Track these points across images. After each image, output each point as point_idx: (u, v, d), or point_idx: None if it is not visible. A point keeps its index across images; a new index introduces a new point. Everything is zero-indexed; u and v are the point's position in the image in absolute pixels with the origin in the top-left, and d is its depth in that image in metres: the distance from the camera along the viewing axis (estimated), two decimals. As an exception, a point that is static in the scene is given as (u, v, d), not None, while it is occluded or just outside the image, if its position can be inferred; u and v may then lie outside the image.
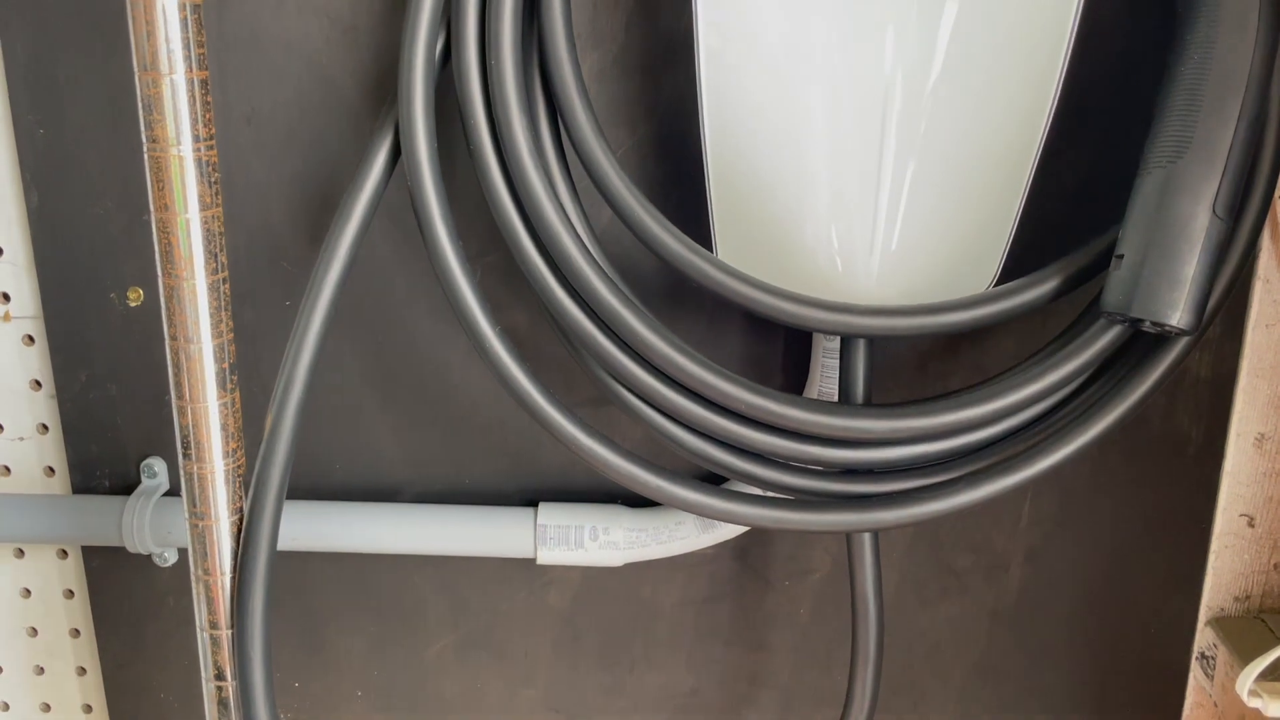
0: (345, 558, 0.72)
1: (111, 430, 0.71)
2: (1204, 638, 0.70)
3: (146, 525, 0.68)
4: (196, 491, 0.55)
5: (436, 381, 0.69)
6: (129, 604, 0.75)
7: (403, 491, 0.71)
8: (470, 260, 0.65)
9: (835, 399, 0.62)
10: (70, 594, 0.76)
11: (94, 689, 0.78)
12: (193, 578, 0.57)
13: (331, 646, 0.75)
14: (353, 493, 0.71)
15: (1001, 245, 0.57)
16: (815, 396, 0.65)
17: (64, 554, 0.75)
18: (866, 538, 0.62)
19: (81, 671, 0.78)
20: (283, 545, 0.68)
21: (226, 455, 0.55)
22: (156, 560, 0.71)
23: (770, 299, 0.54)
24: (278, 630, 0.74)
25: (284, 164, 0.65)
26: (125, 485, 0.72)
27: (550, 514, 0.68)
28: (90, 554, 0.74)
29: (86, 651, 0.77)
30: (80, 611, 0.76)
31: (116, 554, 0.72)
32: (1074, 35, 0.51)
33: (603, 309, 0.54)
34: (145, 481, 0.71)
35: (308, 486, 0.71)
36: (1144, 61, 0.60)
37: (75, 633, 0.77)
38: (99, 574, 0.74)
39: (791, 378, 0.69)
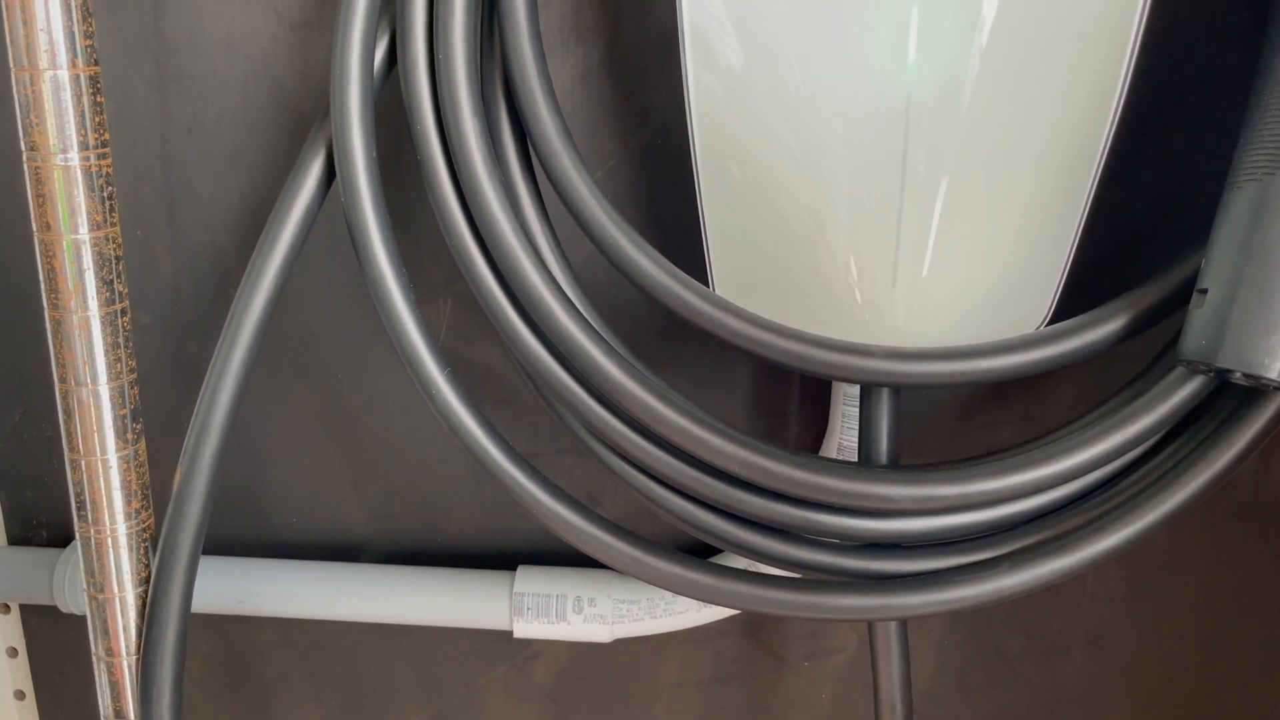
0: (301, 623, 0.63)
1: (48, 475, 0.63)
2: (1305, 743, 0.60)
3: (81, 584, 0.60)
4: (94, 560, 0.47)
5: (405, 425, 0.61)
6: (71, 667, 0.67)
7: (367, 549, 0.63)
8: (438, 289, 0.58)
9: (856, 455, 0.52)
10: (14, 652, 0.69)
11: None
12: (94, 659, 0.49)
13: (286, 723, 0.67)
14: (311, 549, 0.63)
15: (1055, 276, 0.47)
16: (835, 450, 0.55)
17: (5, 609, 0.68)
18: (891, 626, 0.52)
19: (27, 738, 0.71)
20: (230, 609, 0.61)
21: (129, 517, 0.47)
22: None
23: (768, 337, 0.44)
24: (224, 702, 0.66)
25: (231, 179, 0.57)
26: (64, 536, 0.64)
27: (529, 580, 0.59)
28: (28, 611, 0.67)
29: (31, 717, 0.70)
30: (24, 672, 0.69)
31: (55, 612, 0.65)
32: (1142, 24, 0.42)
33: (564, 343, 0.45)
34: (84, 533, 0.63)
35: (260, 541, 0.63)
36: (1228, 53, 0.50)
37: (20, 694, 0.70)
38: (38, 633, 0.67)
39: (811, 428, 0.59)
